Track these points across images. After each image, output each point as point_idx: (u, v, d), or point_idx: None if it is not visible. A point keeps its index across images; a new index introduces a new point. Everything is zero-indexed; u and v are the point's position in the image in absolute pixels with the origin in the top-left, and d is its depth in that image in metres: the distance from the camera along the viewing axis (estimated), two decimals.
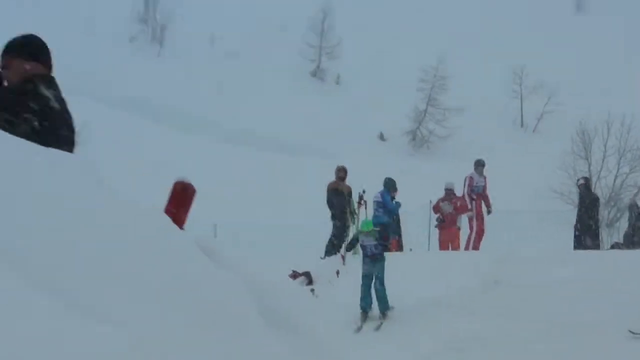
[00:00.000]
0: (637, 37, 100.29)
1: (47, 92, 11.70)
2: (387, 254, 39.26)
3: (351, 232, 41.52)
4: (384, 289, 29.09)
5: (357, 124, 77.30)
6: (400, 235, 43.98)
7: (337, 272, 33.66)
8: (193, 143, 72.09)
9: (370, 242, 29.39)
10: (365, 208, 42.95)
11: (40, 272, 5.19)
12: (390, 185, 42.78)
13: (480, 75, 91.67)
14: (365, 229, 30.74)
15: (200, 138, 76.23)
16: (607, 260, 35.92)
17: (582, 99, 75.79)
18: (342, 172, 43.09)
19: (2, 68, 12.06)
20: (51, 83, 11.78)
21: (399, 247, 43.35)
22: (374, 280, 29.43)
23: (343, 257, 34.50)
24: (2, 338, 4.52)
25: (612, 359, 23.14)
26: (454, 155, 68.43)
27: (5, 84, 11.85)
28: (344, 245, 39.55)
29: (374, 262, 28.91)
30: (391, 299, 29.54)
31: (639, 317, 24.35)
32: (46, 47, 12.17)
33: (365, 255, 29.11)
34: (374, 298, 29.72)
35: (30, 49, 11.87)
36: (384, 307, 28.76)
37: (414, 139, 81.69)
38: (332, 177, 43.41)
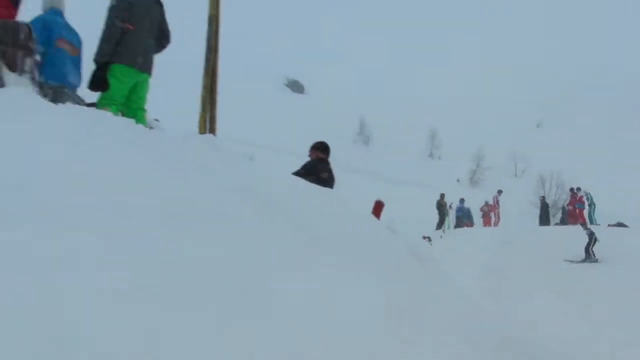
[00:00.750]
0: (577, 140, 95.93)
1: (322, 165, 12.36)
2: (465, 228, 42.48)
3: (446, 222, 43.20)
4: None
5: (449, 176, 75.74)
6: (471, 221, 45.37)
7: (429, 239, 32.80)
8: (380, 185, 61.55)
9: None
10: (452, 210, 44.91)
11: (328, 243, 5.57)
12: (462, 200, 45.31)
13: (487, 151, 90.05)
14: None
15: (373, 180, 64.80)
16: (552, 230, 36.90)
17: (544, 166, 74.90)
18: (442, 195, 43.82)
19: (309, 154, 12.66)
20: (327, 162, 12.55)
21: (471, 225, 44.74)
22: None
23: (428, 238, 32.11)
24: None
25: (557, 270, 24.00)
26: (488, 188, 68.40)
27: (309, 159, 12.54)
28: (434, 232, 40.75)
29: None
30: (460, 247, 29.49)
31: (567, 253, 25.88)
32: (328, 146, 12.67)
33: None
34: None
35: (321, 146, 12.61)
36: None
37: (471, 181, 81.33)
38: (437, 197, 44.86)
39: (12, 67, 8.15)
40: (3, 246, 3.35)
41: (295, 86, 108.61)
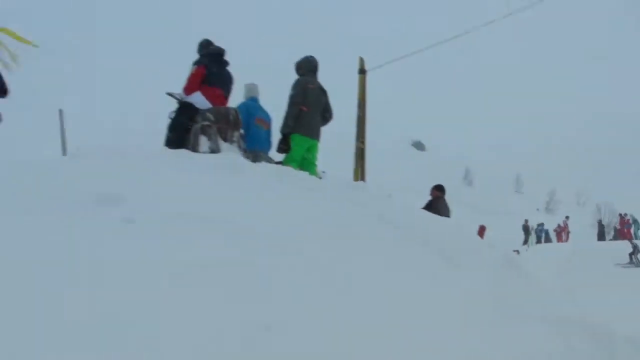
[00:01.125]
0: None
1: (441, 201, 12.04)
2: (544, 244, 41.29)
3: (529, 240, 42.42)
4: None
5: (531, 206, 73.55)
6: (548, 238, 43.84)
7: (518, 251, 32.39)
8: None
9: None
10: (533, 230, 43.96)
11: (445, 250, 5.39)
12: (542, 224, 44.19)
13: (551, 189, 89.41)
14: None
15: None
16: (607, 244, 34.62)
17: (600, 198, 72.69)
18: (526, 221, 43.19)
19: (431, 193, 12.40)
20: (444, 199, 12.05)
21: (549, 242, 43.38)
22: None
23: (517, 251, 31.89)
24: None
25: (610, 272, 23.56)
26: (559, 214, 66.69)
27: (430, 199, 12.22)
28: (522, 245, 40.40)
29: None
30: (540, 257, 28.56)
31: (617, 259, 24.99)
32: (443, 188, 12.32)
33: None
34: None
35: (439, 188, 12.19)
36: None
37: (547, 209, 79.38)
38: (523, 222, 44.52)
39: (225, 139, 8.58)
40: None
41: (418, 145, 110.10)
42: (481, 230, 11.73)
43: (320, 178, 8.36)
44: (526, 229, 44.34)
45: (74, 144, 8.96)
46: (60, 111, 9.39)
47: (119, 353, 2.74)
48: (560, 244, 41.22)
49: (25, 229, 3.78)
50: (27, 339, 2.67)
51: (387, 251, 4.86)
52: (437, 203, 11.99)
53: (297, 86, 9.30)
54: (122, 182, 5.00)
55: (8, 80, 8.52)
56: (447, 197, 12.71)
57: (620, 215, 45.15)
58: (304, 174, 7.17)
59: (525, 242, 42.74)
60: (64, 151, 8.83)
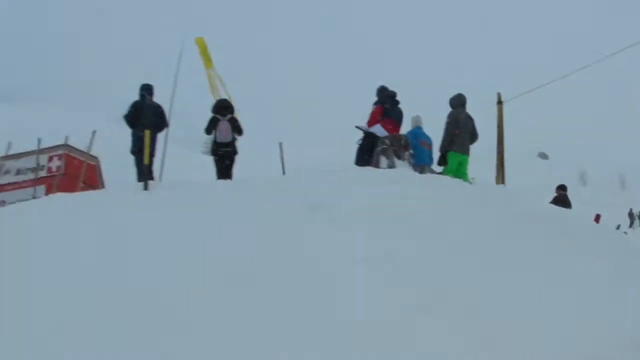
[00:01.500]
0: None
1: (564, 197, 10.95)
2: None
3: (635, 223, 38.57)
4: None
5: (635, 199, 69.06)
6: None
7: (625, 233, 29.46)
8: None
9: None
10: (637, 217, 40.35)
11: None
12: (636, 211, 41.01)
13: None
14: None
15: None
16: None
17: None
18: (630, 209, 39.62)
19: (556, 191, 11.12)
20: (566, 195, 10.87)
21: None
22: None
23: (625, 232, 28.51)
24: None
25: None
26: None
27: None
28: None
29: None
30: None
31: None
32: (565, 187, 11.17)
33: None
34: None
35: (562, 187, 11.07)
36: None
37: None
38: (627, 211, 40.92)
39: (399, 157, 8.83)
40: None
41: (543, 155, 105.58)
42: (597, 218, 10.95)
43: (471, 183, 8.30)
44: (631, 215, 40.91)
45: (289, 166, 9.65)
46: (280, 144, 9.93)
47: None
48: None
49: (262, 231, 4.20)
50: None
51: (534, 238, 4.62)
52: (561, 199, 11.37)
53: (450, 116, 9.21)
54: (325, 193, 5.19)
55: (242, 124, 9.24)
56: (568, 194, 12.01)
57: None
58: (458, 181, 7.22)
59: (631, 225, 39.30)
60: (283, 171, 9.31)
